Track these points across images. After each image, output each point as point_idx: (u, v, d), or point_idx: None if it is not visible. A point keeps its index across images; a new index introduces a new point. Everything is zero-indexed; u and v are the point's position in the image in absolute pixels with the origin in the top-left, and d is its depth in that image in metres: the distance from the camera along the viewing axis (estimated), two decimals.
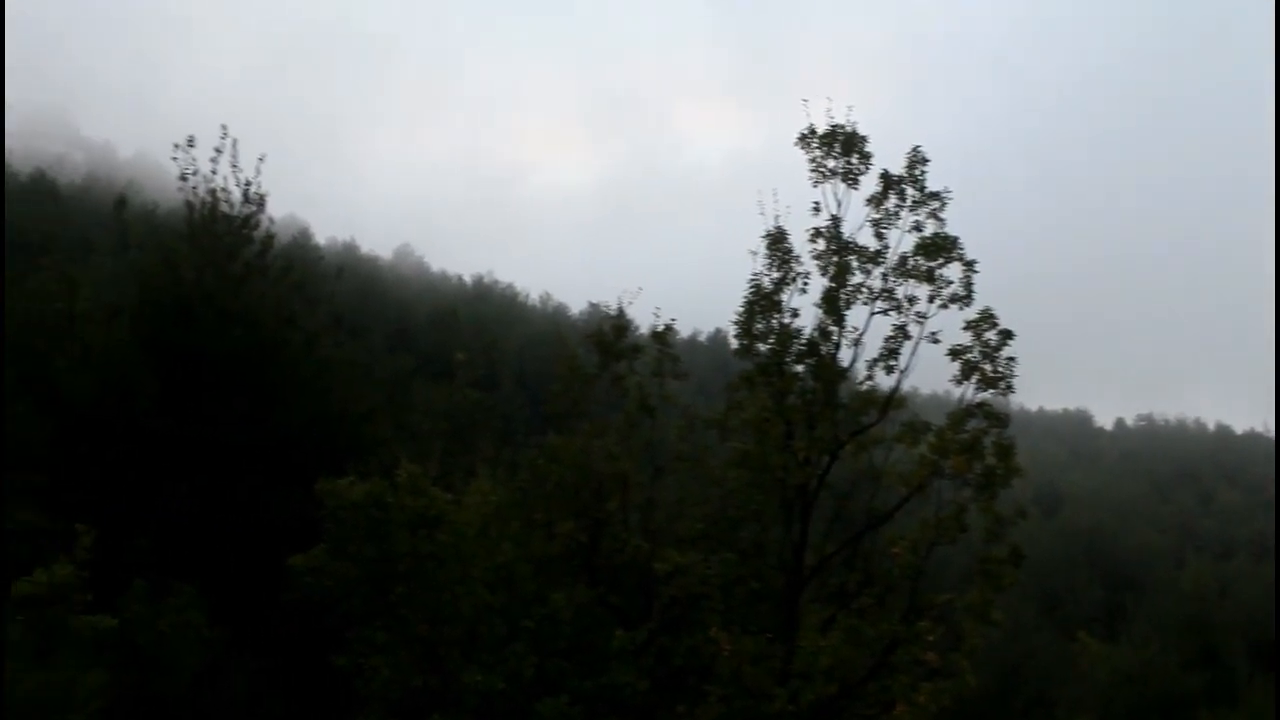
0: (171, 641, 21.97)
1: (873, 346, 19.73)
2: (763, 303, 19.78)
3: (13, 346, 29.15)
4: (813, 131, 19.82)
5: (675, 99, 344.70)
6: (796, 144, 20.07)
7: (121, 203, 32.15)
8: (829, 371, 19.47)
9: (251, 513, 28.17)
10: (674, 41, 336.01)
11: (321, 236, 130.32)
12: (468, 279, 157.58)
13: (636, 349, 20.89)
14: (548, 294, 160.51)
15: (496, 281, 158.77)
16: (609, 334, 20.76)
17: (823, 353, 19.60)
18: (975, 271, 19.29)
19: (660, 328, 20.96)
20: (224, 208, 30.00)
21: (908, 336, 19.49)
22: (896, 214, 19.61)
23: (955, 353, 19.01)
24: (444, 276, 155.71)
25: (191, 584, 24.02)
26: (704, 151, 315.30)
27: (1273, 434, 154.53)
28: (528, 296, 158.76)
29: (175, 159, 29.75)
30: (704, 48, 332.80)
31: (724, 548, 19.70)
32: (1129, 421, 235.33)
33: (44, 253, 33.99)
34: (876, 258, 19.58)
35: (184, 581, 24.01)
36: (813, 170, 19.79)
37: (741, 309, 19.95)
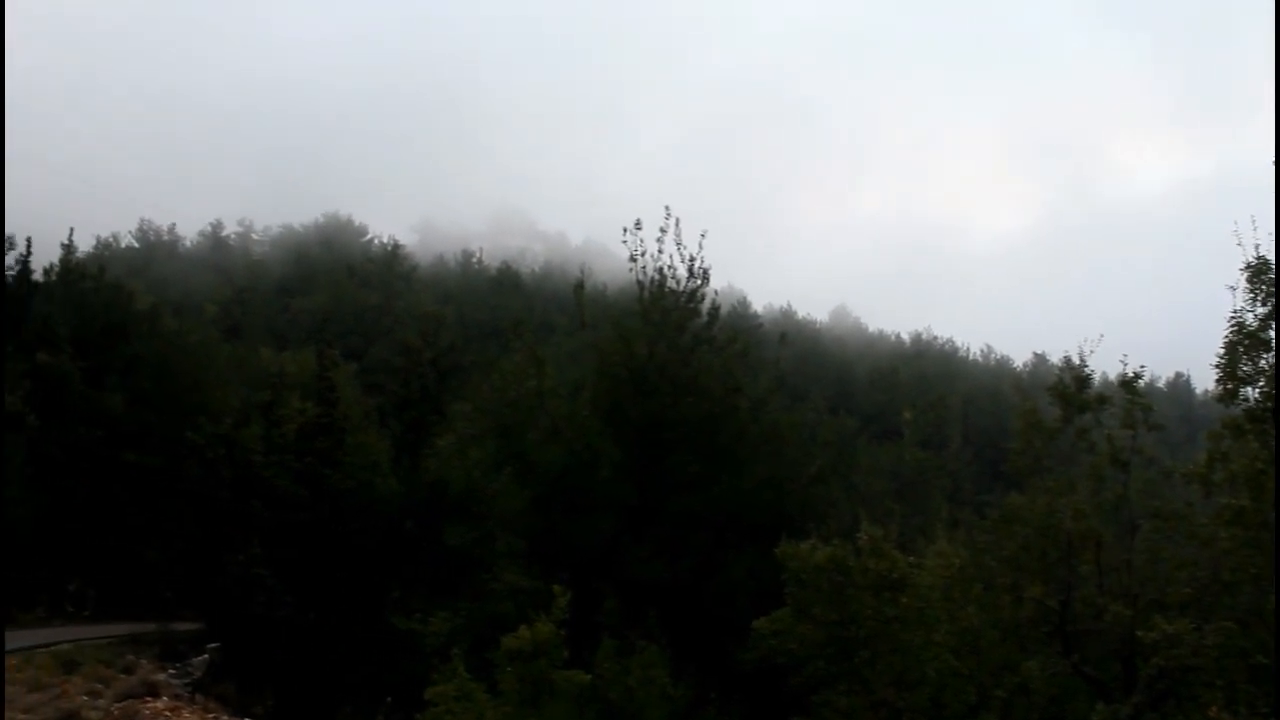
0: (639, 697, 22.90)
1: None
2: (1247, 342, 17.72)
3: (496, 424, 32.08)
4: None
5: (1110, 132, 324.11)
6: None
7: (580, 286, 34.38)
8: None
9: (708, 574, 29.05)
10: (1104, 73, 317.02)
11: (758, 303, 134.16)
12: (905, 337, 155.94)
13: (1102, 399, 19.43)
14: (989, 347, 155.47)
15: (935, 338, 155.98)
16: (1070, 385, 19.47)
17: None
18: None
19: (1128, 375, 19.39)
20: (671, 284, 31.49)
21: None
22: None
23: None
24: (881, 335, 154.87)
25: (656, 643, 25.07)
26: (1145, 184, 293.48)
27: None
28: (968, 351, 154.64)
29: (624, 241, 31.64)
30: (1139, 76, 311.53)
31: (1218, 615, 17.69)
32: None
33: (515, 338, 37.16)
34: None
35: (649, 640, 25.11)
36: None
37: (1222, 350, 17.93)
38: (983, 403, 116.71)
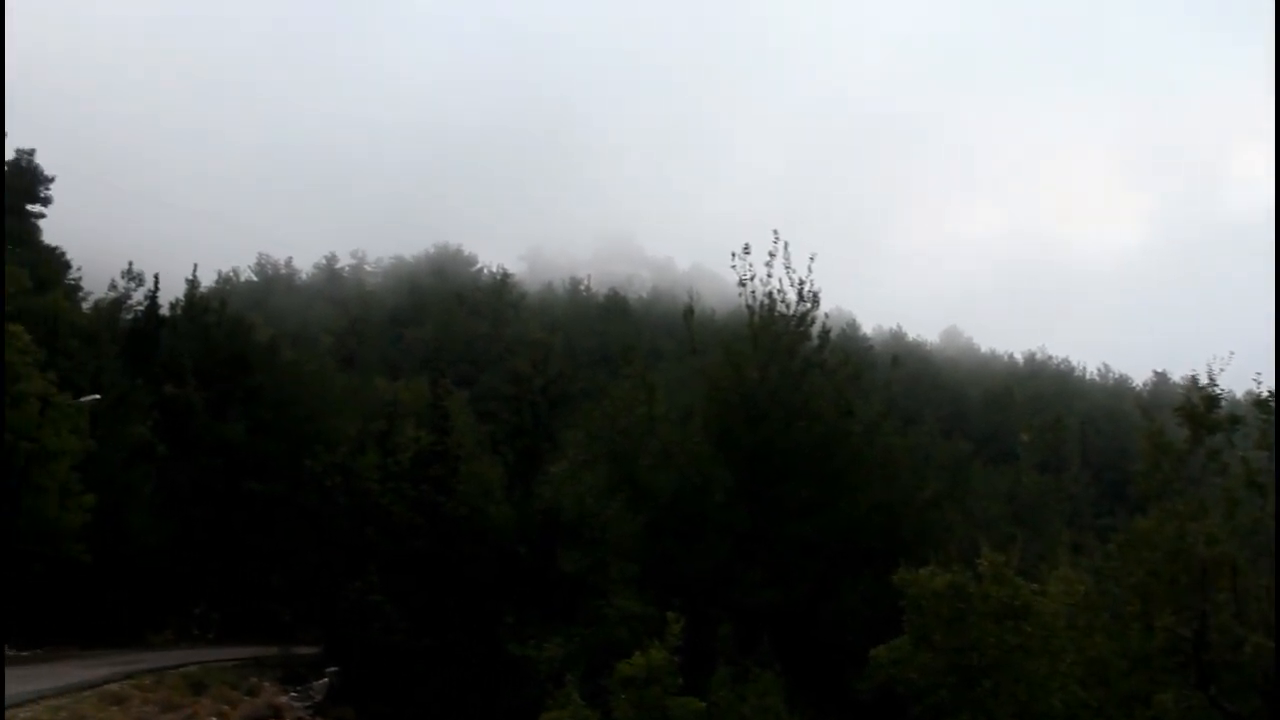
0: None
1: None
2: None
3: (607, 450, 32.21)
4: None
5: (1229, 141, 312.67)
6: None
7: (689, 311, 34.39)
8: None
9: (823, 600, 28.70)
10: (1220, 80, 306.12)
11: (867, 326, 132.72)
12: (1019, 357, 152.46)
13: (1234, 420, 18.68)
14: (1106, 366, 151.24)
15: (1050, 357, 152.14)
16: (1199, 405, 18.77)
17: None
18: None
19: (1262, 395, 18.63)
20: (780, 308, 31.34)
21: None
22: None
23: None
24: (994, 356, 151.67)
25: (771, 670, 24.79)
26: (1269, 194, 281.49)
27: None
28: (1084, 370, 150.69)
29: (732, 266, 31.60)
30: (1257, 81, 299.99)
31: None
32: None
33: (625, 364, 37.38)
34: None
35: (764, 667, 24.85)
36: None
37: None
38: (1101, 423, 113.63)
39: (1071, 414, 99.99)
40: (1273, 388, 18.68)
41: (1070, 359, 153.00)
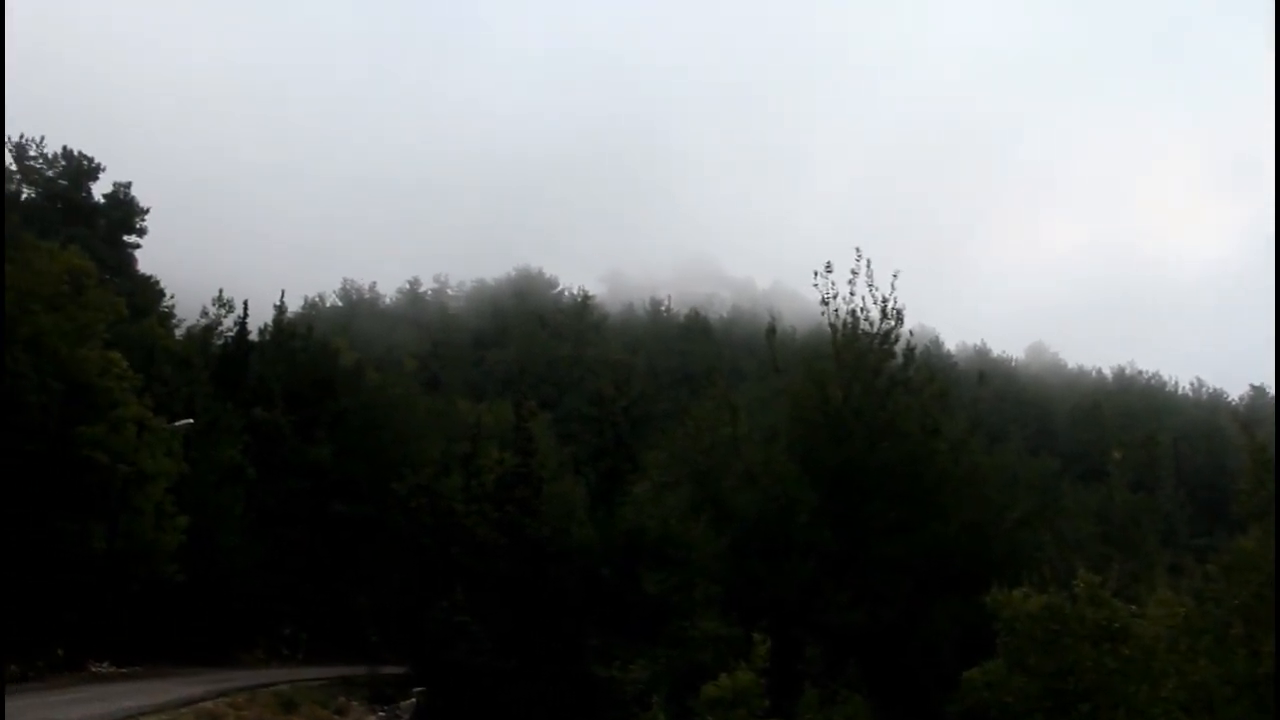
0: None
1: None
2: None
3: (690, 470, 32.11)
4: None
5: None
6: None
7: (771, 331, 34.25)
8: None
9: (911, 622, 28.22)
10: None
11: (950, 342, 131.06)
12: (1107, 372, 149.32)
13: None
14: (1199, 380, 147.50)
15: (1140, 372, 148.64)
16: None
17: None
18: None
19: None
20: (864, 326, 31.00)
21: None
22: None
23: None
24: (1081, 372, 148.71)
25: (859, 693, 24.44)
26: None
27: None
28: (1176, 385, 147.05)
29: (814, 285, 31.34)
30: None
31: None
32: None
33: (708, 385, 37.30)
34: None
35: (852, 690, 24.51)
36: None
37: None
38: (1195, 440, 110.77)
39: (1163, 430, 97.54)
40: None
41: (1161, 373, 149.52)
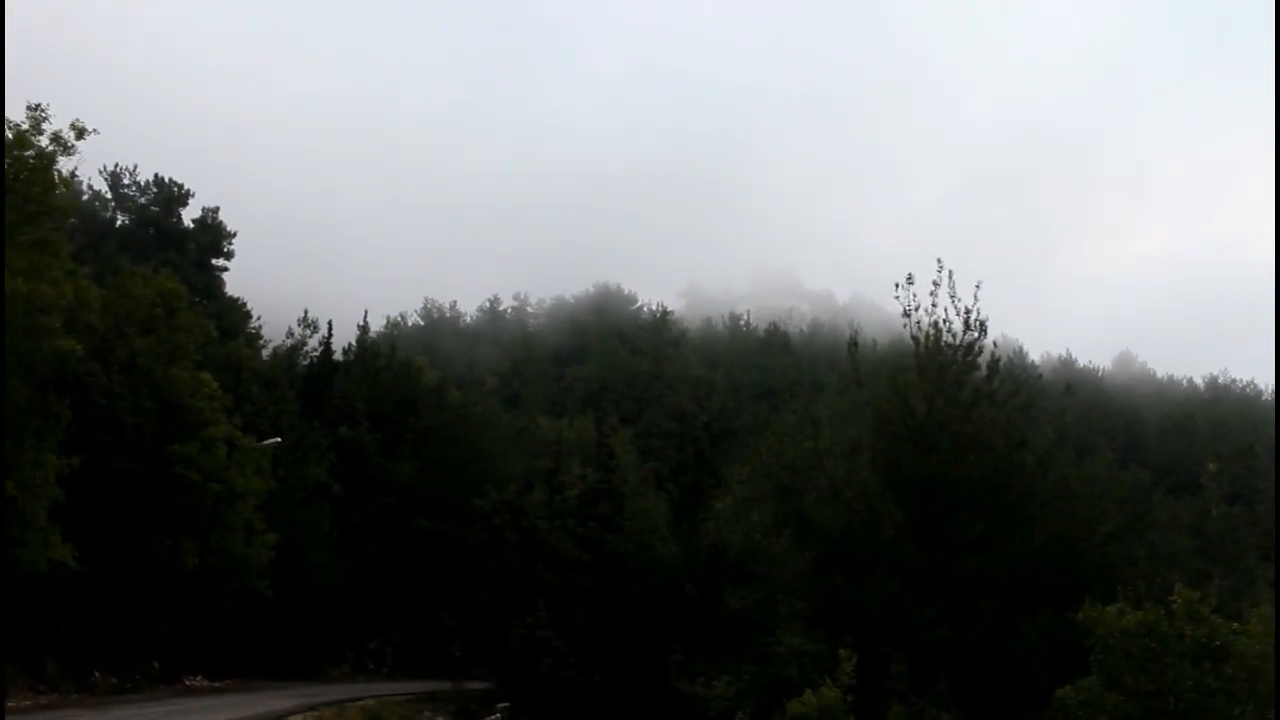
0: None
1: None
2: None
3: (773, 485, 31.89)
4: None
5: None
6: None
7: (853, 344, 33.94)
8: None
9: (1000, 638, 27.69)
10: None
11: (1035, 353, 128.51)
12: (1199, 381, 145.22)
13: None
14: None
15: (1233, 381, 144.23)
16: None
17: None
18: None
19: None
20: (947, 338, 30.58)
21: None
22: None
23: None
24: (1172, 381, 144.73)
25: (948, 711, 24.02)
26: None
27: None
28: (1272, 394, 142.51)
29: (895, 297, 31.00)
30: None
31: None
32: None
33: (790, 399, 37.09)
34: None
35: (940, 708, 24.09)
36: None
37: None
38: None
39: (1261, 441, 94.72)
40: None
41: (1256, 382, 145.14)
